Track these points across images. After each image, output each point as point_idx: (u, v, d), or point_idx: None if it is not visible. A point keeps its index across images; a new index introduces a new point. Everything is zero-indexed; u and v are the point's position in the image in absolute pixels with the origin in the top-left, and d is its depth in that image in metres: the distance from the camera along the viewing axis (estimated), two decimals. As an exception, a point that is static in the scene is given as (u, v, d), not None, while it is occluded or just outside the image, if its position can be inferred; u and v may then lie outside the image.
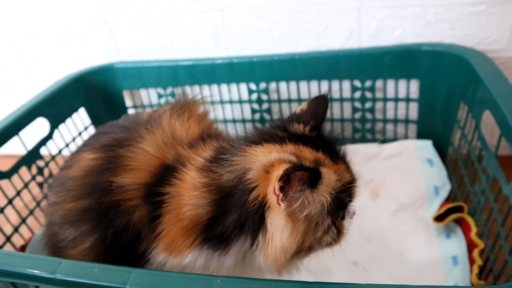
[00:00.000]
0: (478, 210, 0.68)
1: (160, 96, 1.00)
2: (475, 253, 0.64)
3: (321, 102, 0.54)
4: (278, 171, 0.42)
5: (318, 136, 0.52)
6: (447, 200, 0.79)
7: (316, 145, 0.48)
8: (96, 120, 0.99)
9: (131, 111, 1.04)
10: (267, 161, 0.45)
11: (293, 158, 0.45)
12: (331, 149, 0.50)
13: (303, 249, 0.47)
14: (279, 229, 0.45)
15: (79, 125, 0.96)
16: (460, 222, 0.72)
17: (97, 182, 0.53)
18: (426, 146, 0.86)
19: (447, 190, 0.79)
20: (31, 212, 0.84)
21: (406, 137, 0.92)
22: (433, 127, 0.86)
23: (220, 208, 0.48)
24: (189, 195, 0.49)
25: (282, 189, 0.43)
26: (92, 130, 0.99)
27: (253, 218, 0.46)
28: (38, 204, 0.86)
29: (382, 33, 0.85)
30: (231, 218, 0.47)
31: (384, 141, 0.93)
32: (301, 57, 0.88)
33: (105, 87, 0.99)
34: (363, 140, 0.94)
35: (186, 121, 0.59)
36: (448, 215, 0.72)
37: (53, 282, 0.46)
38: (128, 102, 1.03)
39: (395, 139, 0.93)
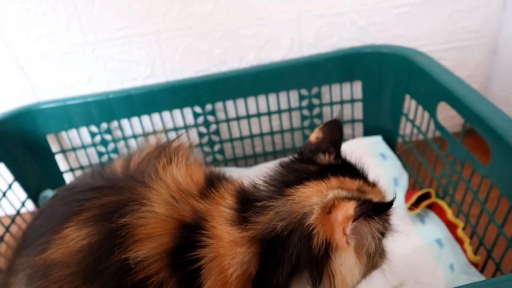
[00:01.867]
0: (448, 192, 0.74)
1: (93, 135, 0.89)
2: (460, 232, 0.70)
3: (335, 127, 0.52)
4: (345, 211, 0.40)
5: (343, 163, 0.51)
6: (409, 189, 0.84)
7: (350, 173, 0.47)
8: (19, 174, 0.85)
9: (59, 157, 0.91)
10: (326, 202, 0.42)
11: (347, 193, 0.43)
12: (360, 173, 0.49)
13: (362, 279, 0.46)
14: (349, 267, 0.43)
15: (1, 184, 0.81)
16: (431, 206, 0.78)
17: (102, 264, 0.43)
18: (377, 142, 0.91)
19: (406, 179, 0.85)
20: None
21: (353, 136, 0.96)
22: (380, 122, 0.91)
23: (270, 259, 0.43)
24: (231, 254, 0.43)
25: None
26: (17, 186, 0.84)
27: (315, 262, 0.42)
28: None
29: (321, 41, 0.87)
30: (287, 267, 0.42)
31: (334, 143, 0.96)
32: (245, 72, 0.86)
33: (25, 134, 0.85)
34: (314, 146, 0.96)
35: (184, 167, 0.51)
36: (419, 203, 0.77)
37: None
38: (54, 148, 0.90)
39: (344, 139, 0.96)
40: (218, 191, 0.49)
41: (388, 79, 0.86)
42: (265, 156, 0.96)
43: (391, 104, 0.87)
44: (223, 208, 0.47)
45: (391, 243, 0.74)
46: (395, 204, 0.83)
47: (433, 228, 0.75)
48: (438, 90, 0.71)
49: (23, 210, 0.85)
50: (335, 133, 0.52)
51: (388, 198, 0.50)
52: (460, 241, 0.69)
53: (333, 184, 0.45)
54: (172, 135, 0.92)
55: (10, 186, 0.82)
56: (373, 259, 0.45)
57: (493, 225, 0.62)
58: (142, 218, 0.44)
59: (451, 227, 0.72)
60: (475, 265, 0.65)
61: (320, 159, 0.49)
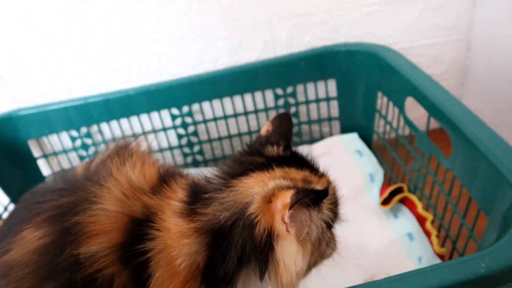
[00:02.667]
0: (418, 186, 0.75)
1: (73, 139, 0.91)
2: (428, 225, 0.70)
3: (284, 120, 0.53)
4: (284, 200, 0.41)
5: (292, 154, 0.52)
6: (384, 184, 0.85)
7: (297, 164, 0.48)
8: (1, 179, 0.86)
9: (41, 162, 0.93)
10: (266, 192, 0.43)
11: (288, 182, 0.44)
12: (309, 164, 0.50)
13: (309, 267, 0.47)
14: (292, 255, 0.43)
15: (-18, 190, 0.83)
16: (403, 201, 0.79)
17: (56, 261, 0.44)
18: (353, 139, 0.92)
19: (381, 175, 0.85)
20: None
21: (331, 134, 0.97)
22: (355, 120, 0.92)
23: (217, 250, 0.44)
24: (179, 245, 0.44)
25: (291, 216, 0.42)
26: (0, 193, 0.86)
27: (259, 251, 0.43)
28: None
29: (294, 41, 0.89)
30: (233, 257, 0.44)
31: (312, 141, 0.97)
32: (220, 73, 0.88)
33: (5, 140, 0.87)
34: (293, 145, 0.97)
35: (138, 166, 0.53)
36: (391, 197, 0.78)
37: None
38: (36, 153, 0.91)
39: (321, 137, 0.97)
40: (170, 186, 0.50)
41: (361, 76, 0.87)
42: (244, 156, 0.98)
43: (364, 101, 0.89)
44: (173, 202, 0.48)
45: (364, 236, 0.76)
46: (369, 198, 0.84)
47: (405, 222, 0.76)
48: (405, 86, 0.73)
49: (5, 215, 0.87)
50: (284, 125, 0.53)
51: (339, 188, 0.51)
52: (428, 234, 0.70)
53: (277, 175, 0.46)
54: (151, 137, 0.94)
55: (-8, 192, 0.84)
56: (319, 248, 0.46)
57: (457, 217, 0.63)
58: (93, 216, 0.45)
59: (421, 220, 0.73)
60: (441, 256, 0.66)
61: (268, 151, 0.50)
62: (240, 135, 0.95)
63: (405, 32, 0.91)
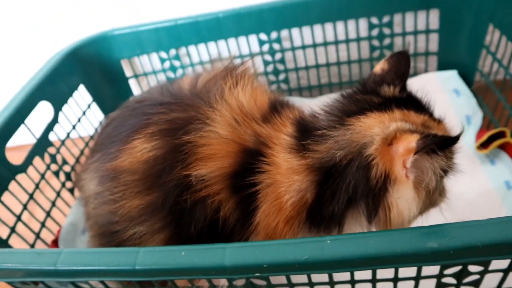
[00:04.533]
0: (525, 133, 0.68)
1: (163, 60, 0.93)
2: (530, 175, 0.65)
3: (402, 59, 0.50)
4: (408, 143, 0.39)
5: (409, 96, 0.49)
6: (482, 128, 0.79)
7: (415, 107, 0.46)
8: (97, 96, 0.91)
9: (132, 82, 0.96)
10: (387, 133, 0.41)
11: (410, 126, 0.42)
12: (426, 108, 0.47)
13: (419, 214, 0.46)
14: (407, 201, 0.42)
15: (81, 104, 0.88)
16: (504, 147, 0.73)
17: (165, 176, 0.47)
18: (451, 77, 0.85)
19: (480, 118, 0.79)
20: (53, 204, 0.78)
21: (426, 70, 0.90)
22: (456, 56, 0.85)
23: (327, 188, 0.44)
24: (288, 181, 0.45)
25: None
26: (95, 107, 0.91)
27: (373, 194, 0.42)
28: (58, 194, 0.80)
29: (397, -37, 0.81)
30: (343, 197, 0.43)
31: (404, 77, 0.91)
32: (314, -2, 0.83)
33: (102, 58, 0.91)
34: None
35: (249, 90, 0.52)
36: (490, 142, 0.73)
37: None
38: (128, 72, 0.95)
39: (415, 74, 0.91)
40: (280, 117, 0.50)
41: (470, 5, 0.78)
42: (330, 87, 0.94)
43: (471, 35, 0.80)
44: (283, 136, 0.48)
45: (455, 183, 0.72)
46: (462, 141, 0.80)
47: (503, 169, 0.71)
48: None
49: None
50: (402, 65, 0.49)
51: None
52: (529, 184, 0.65)
53: (396, 117, 0.44)
54: (238, 62, 0.93)
55: (89, 106, 0.90)
56: (432, 196, 0.44)
57: None
58: (205, 138, 0.47)
59: (523, 169, 0.68)
60: (542, 208, 0.61)
61: (384, 91, 0.48)
62: (328, 65, 0.91)
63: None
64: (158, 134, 0.48)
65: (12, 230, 0.67)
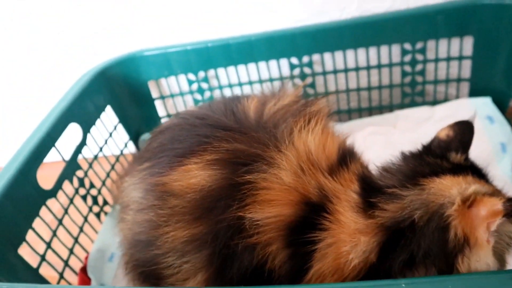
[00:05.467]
0: None
1: (191, 82, 0.92)
2: None
3: (467, 129, 0.51)
4: (492, 206, 0.39)
5: (472, 165, 0.49)
6: (519, 155, 0.78)
7: (479, 175, 0.46)
8: (123, 117, 0.90)
9: (158, 103, 0.95)
10: (467, 195, 0.41)
11: (487, 189, 0.42)
12: (486, 177, 0.48)
13: None
14: (484, 265, 0.41)
15: (107, 125, 0.86)
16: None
17: (217, 213, 0.44)
18: (485, 103, 0.85)
19: (515, 146, 0.79)
20: (81, 230, 0.76)
21: (457, 97, 0.90)
22: (490, 82, 0.84)
23: (390, 249, 0.42)
24: (354, 240, 0.43)
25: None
26: (120, 128, 0.90)
27: (447, 256, 0.41)
28: (85, 219, 0.77)
29: (430, -9, 0.81)
30: (402, 258, 0.42)
31: (434, 103, 0.90)
32: (346, 24, 0.83)
33: (129, 79, 0.89)
34: (413, 104, 0.91)
35: (319, 134, 0.49)
36: (530, 171, 0.72)
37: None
38: (154, 93, 0.93)
39: (445, 99, 0.90)
40: (348, 171, 0.48)
41: (505, 35, 0.78)
42: (360, 112, 0.94)
43: (506, 63, 0.80)
44: (349, 192, 0.46)
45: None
46: (499, 169, 0.78)
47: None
48: None
49: (125, 151, 0.91)
50: (466, 134, 0.50)
51: None
52: None
53: (471, 181, 0.43)
54: (267, 86, 0.92)
55: (115, 128, 0.88)
56: (502, 259, 0.43)
57: None
58: (267, 181, 0.44)
59: None
60: None
61: (452, 157, 0.48)
62: (358, 90, 0.91)
63: None
64: (217, 163, 0.46)
65: (43, 258, 0.65)
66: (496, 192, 0.44)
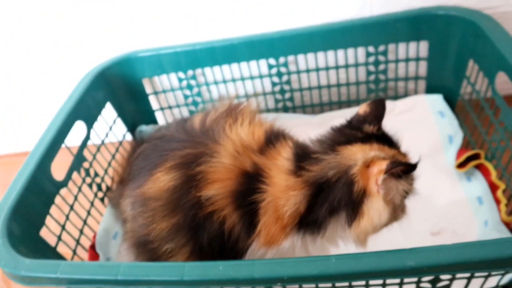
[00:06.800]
0: (496, 156, 0.80)
1: (180, 79, 1.03)
2: (499, 193, 0.77)
3: (380, 105, 0.63)
4: (380, 166, 0.52)
5: (383, 134, 0.62)
6: (462, 147, 0.91)
7: (388, 142, 0.59)
8: (121, 111, 1.02)
9: (152, 98, 1.06)
10: (367, 158, 0.54)
11: (384, 155, 0.55)
12: (395, 144, 0.61)
13: (384, 225, 0.58)
14: (377, 211, 0.55)
15: (107, 119, 0.98)
16: (479, 167, 0.85)
17: (183, 200, 0.59)
18: (437, 100, 0.97)
19: (460, 138, 0.90)
20: (89, 213, 0.89)
21: (415, 92, 1.01)
22: (442, 81, 0.96)
23: (316, 200, 0.56)
24: (286, 196, 0.57)
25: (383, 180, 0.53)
26: (119, 122, 1.02)
27: (353, 203, 0.55)
28: (92, 203, 0.91)
29: (391, 0, 0.91)
30: (327, 207, 0.56)
31: (396, 97, 1.02)
32: (317, 29, 0.93)
33: (126, 78, 1.01)
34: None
35: (248, 127, 0.64)
36: (467, 162, 0.85)
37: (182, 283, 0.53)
38: (148, 89, 1.05)
39: (406, 94, 1.02)
40: (275, 148, 0.62)
41: (454, 41, 0.89)
42: (330, 106, 1.06)
43: (455, 66, 0.91)
44: (279, 161, 0.59)
45: (436, 194, 0.84)
46: (445, 159, 0.91)
47: (476, 186, 0.83)
48: (498, 59, 0.75)
49: (124, 141, 1.03)
50: (379, 110, 0.62)
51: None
52: (497, 201, 0.77)
53: (374, 148, 0.57)
54: (248, 83, 1.03)
55: (114, 121, 1.00)
56: (396, 211, 0.57)
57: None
58: (212, 167, 0.58)
59: (493, 188, 0.80)
60: (506, 224, 0.73)
61: (366, 128, 0.61)
62: (329, 86, 1.02)
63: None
64: (175, 167, 0.60)
65: (59, 238, 0.79)
66: (397, 155, 0.58)
